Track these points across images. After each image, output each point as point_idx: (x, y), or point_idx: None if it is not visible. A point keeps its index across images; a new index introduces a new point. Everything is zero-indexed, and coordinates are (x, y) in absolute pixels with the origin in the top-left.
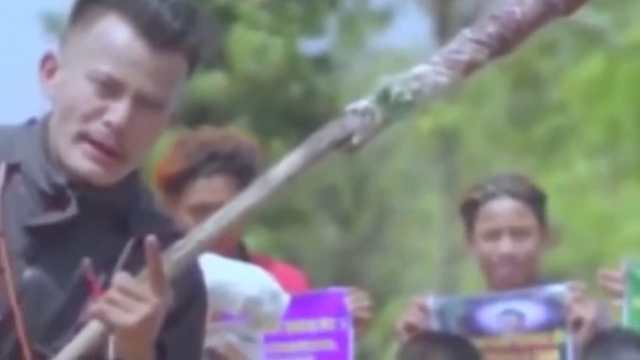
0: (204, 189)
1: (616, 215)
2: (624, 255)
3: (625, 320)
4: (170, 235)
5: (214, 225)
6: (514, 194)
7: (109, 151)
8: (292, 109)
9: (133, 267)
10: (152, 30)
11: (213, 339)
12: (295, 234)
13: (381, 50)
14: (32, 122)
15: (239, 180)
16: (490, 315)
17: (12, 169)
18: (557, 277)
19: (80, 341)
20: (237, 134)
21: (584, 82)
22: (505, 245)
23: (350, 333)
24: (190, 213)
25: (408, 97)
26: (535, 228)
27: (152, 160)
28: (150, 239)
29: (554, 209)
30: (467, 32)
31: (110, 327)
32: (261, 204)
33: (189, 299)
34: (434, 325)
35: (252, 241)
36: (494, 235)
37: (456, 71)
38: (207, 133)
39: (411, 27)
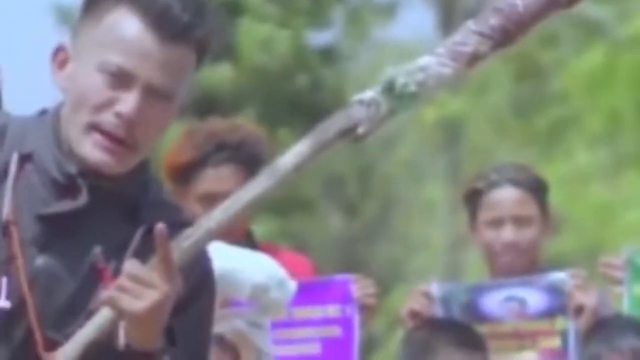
0: (212, 178)
1: (617, 204)
2: (624, 243)
3: (625, 307)
4: (179, 224)
5: (222, 214)
6: (516, 183)
7: (119, 141)
8: (298, 99)
9: (143, 255)
10: (162, 23)
11: (221, 326)
12: (301, 222)
13: (386, 42)
14: (43, 112)
15: (246, 169)
16: (493, 302)
17: (25, 158)
18: (558, 264)
19: (91, 328)
20: (245, 124)
21: (585, 74)
22: (508, 233)
23: (356, 319)
24: (199, 202)
25: (412, 88)
26: (537, 216)
27: (161, 150)
28: (160, 227)
29: (555, 198)
30: (470, 25)
31: (120, 314)
32: (268, 193)
33: (197, 286)
34: (438, 311)
35: (260, 229)
36: (496, 223)
37: (460, 63)
38: (215, 123)
39: (416, 20)
